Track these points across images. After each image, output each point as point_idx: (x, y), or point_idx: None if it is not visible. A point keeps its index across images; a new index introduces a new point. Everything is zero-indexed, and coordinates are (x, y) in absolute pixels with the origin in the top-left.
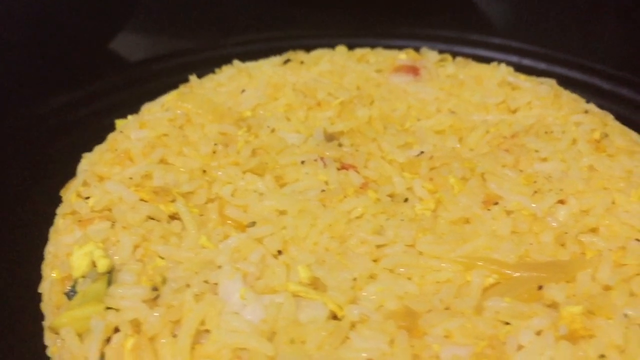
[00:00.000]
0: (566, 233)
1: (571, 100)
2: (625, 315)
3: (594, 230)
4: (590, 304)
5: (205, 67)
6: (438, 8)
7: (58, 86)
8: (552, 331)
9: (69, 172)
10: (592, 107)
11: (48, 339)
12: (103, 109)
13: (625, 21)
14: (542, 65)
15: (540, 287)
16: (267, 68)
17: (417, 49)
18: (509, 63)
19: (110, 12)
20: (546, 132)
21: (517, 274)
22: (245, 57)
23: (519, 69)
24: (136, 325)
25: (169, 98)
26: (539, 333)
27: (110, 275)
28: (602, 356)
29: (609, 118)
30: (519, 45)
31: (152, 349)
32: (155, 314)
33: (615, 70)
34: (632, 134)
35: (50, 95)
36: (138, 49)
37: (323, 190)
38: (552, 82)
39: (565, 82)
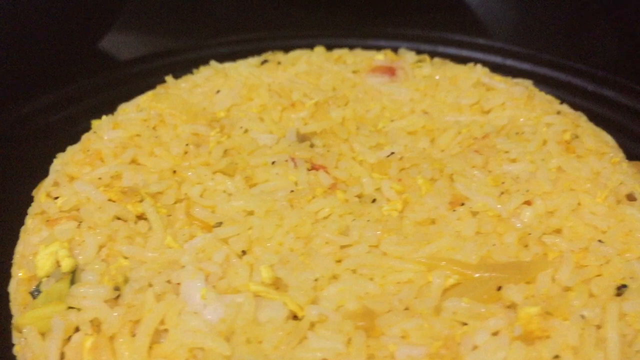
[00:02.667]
0: (530, 234)
1: (545, 101)
2: (582, 317)
3: (557, 232)
4: (548, 305)
5: (191, 67)
6: (422, 8)
7: (42, 86)
8: (507, 332)
9: (45, 173)
10: (565, 108)
11: (15, 337)
12: (86, 109)
13: (612, 22)
14: (525, 66)
15: (499, 288)
16: (244, 69)
17: (395, 50)
18: (491, 63)
19: (98, 11)
20: (517, 133)
21: (478, 275)
22: (231, 57)
23: (502, 69)
24: (96, 325)
25: (144, 98)
26: (495, 334)
27: (73, 275)
28: (556, 357)
29: (582, 119)
30: (503, 46)
31: (110, 348)
32: (114, 314)
33: (598, 71)
34: (604, 135)
35: (34, 95)
36: (126, 48)
37: (292, 191)
38: (527, 83)
39: (548, 83)
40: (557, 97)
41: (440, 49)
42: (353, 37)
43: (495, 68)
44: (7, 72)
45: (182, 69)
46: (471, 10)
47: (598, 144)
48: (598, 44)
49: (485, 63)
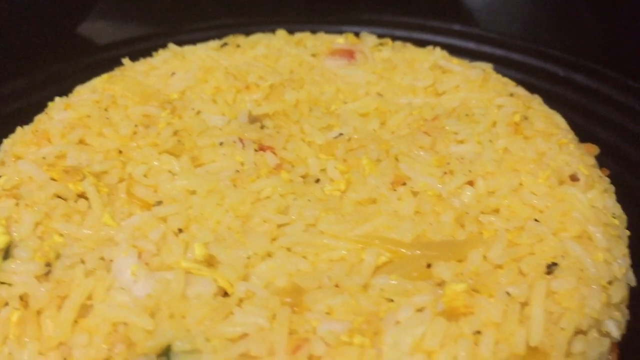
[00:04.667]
0: (467, 213)
1: (500, 83)
2: (508, 294)
3: (496, 211)
4: (475, 282)
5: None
6: None
7: (17, 71)
8: (431, 308)
9: None
10: (519, 90)
11: None
12: (58, 92)
13: (590, 8)
14: (499, 52)
15: (429, 266)
16: (202, 52)
17: (357, 34)
18: (464, 49)
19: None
20: (467, 115)
21: (410, 253)
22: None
23: (477, 56)
24: (25, 300)
25: (99, 80)
26: (420, 310)
27: (7, 251)
28: (478, 332)
29: (536, 102)
30: (480, 32)
31: (36, 322)
32: (42, 289)
33: (569, 56)
34: (556, 117)
35: (7, 78)
36: (104, 34)
37: (237, 171)
38: (486, 66)
39: (521, 69)
40: (527, 82)
41: (415, 35)
42: (332, 24)
43: (469, 54)
44: None
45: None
46: None
47: (547, 125)
48: (576, 31)
49: (459, 49)
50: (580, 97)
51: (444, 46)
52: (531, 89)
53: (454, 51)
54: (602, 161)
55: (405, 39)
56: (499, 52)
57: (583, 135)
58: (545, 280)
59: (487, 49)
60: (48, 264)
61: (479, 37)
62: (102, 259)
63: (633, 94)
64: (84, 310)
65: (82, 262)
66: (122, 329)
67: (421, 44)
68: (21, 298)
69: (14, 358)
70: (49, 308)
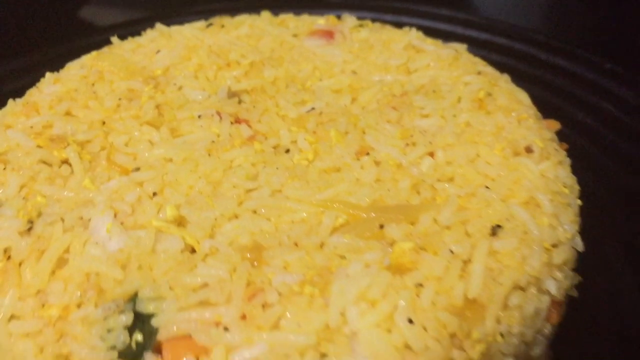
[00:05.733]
0: (424, 181)
1: (469, 62)
2: (451, 251)
3: (451, 179)
4: (423, 241)
5: None
6: None
7: (15, 52)
8: (378, 264)
9: None
10: (487, 69)
11: None
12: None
13: None
14: (484, 36)
15: (382, 227)
16: (188, 31)
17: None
18: (452, 34)
19: None
20: (434, 91)
21: (365, 215)
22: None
23: (463, 39)
24: (8, 253)
25: (88, 57)
26: (368, 265)
27: None
28: (419, 285)
29: (502, 80)
30: (467, 17)
31: (17, 272)
32: (23, 243)
33: (552, 40)
34: (521, 94)
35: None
36: (104, 17)
37: (213, 142)
38: (459, 46)
39: (504, 52)
40: (505, 64)
41: (404, 19)
42: (317, 7)
43: (453, 38)
44: None
45: None
46: None
47: (510, 102)
48: (564, 18)
49: (445, 33)
50: (554, 78)
51: (431, 30)
52: (504, 69)
53: (441, 35)
54: (567, 137)
55: (393, 23)
56: (484, 35)
57: (554, 114)
58: (488, 240)
59: (472, 32)
60: (30, 221)
61: (465, 21)
62: (81, 218)
63: (610, 75)
64: (61, 262)
65: (62, 220)
66: (94, 278)
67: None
68: (5, 251)
69: None
70: (29, 260)
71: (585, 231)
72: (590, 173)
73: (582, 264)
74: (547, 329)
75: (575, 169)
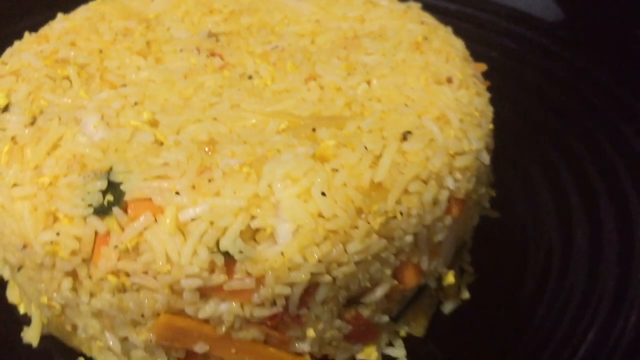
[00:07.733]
0: (356, 100)
1: (417, 15)
2: (365, 147)
3: (379, 100)
4: (345, 140)
5: None
6: None
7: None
8: (305, 154)
9: None
10: (430, 20)
11: None
12: None
13: None
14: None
15: (314, 130)
16: None
17: None
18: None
19: None
20: (380, 36)
21: (303, 123)
22: None
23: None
24: (14, 139)
25: (94, 3)
26: (297, 156)
27: (6, 108)
28: (335, 170)
29: (443, 29)
30: None
31: (21, 152)
32: (26, 132)
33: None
34: (457, 42)
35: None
36: None
37: (190, 69)
38: (414, 4)
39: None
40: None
41: None
42: None
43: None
44: None
45: None
46: None
47: (444, 46)
48: None
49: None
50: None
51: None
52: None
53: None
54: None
55: None
56: (452, 6)
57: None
58: (399, 142)
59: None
60: (34, 117)
61: None
62: (75, 118)
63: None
64: (55, 147)
65: (59, 118)
66: (79, 157)
67: None
68: (12, 138)
69: (2, 175)
70: (30, 144)
71: (501, 155)
72: (509, 105)
73: (500, 183)
74: (448, 221)
75: (494, 102)
